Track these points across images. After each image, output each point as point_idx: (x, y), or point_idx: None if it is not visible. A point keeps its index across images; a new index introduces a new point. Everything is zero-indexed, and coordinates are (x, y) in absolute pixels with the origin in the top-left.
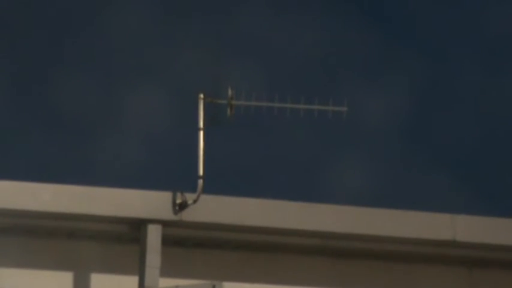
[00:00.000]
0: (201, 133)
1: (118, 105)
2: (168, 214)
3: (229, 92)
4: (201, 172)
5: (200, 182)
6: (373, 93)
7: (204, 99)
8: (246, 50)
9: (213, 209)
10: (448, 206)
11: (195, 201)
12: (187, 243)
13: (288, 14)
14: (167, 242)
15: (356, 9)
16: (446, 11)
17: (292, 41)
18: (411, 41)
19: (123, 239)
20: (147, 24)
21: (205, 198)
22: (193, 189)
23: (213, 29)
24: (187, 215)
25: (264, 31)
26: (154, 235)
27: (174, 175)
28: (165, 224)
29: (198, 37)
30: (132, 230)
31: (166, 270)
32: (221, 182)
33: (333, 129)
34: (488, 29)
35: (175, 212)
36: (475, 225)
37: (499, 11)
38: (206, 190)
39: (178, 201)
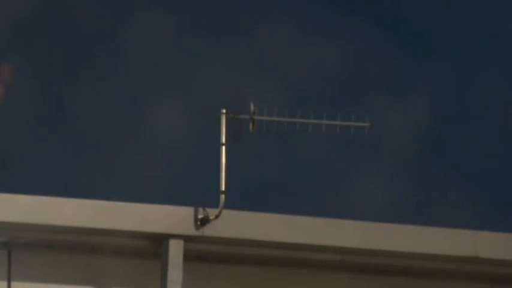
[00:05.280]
0: (223, 148)
1: (140, 120)
2: (190, 229)
3: (252, 107)
4: (223, 187)
5: (222, 197)
6: (394, 109)
7: (227, 114)
8: (268, 66)
9: (235, 224)
10: (470, 222)
11: (217, 217)
12: (209, 259)
13: (310, 30)
14: (189, 257)
15: (376, 26)
16: (466, 27)
17: (313, 57)
18: (430, 57)
19: (145, 254)
20: (170, 40)
21: (227, 213)
22: (215, 204)
23: (235, 44)
24: (209, 230)
25: (285, 47)
26: (176, 250)
27: (196, 190)
28: (186, 239)
29: (221, 53)
30: (154, 245)
31: (188, 286)
32: (243, 198)
33: (355, 145)
34: (509, 44)
35: (197, 227)
36: (498, 242)
37: None
38: (228, 205)
39: (200, 216)
